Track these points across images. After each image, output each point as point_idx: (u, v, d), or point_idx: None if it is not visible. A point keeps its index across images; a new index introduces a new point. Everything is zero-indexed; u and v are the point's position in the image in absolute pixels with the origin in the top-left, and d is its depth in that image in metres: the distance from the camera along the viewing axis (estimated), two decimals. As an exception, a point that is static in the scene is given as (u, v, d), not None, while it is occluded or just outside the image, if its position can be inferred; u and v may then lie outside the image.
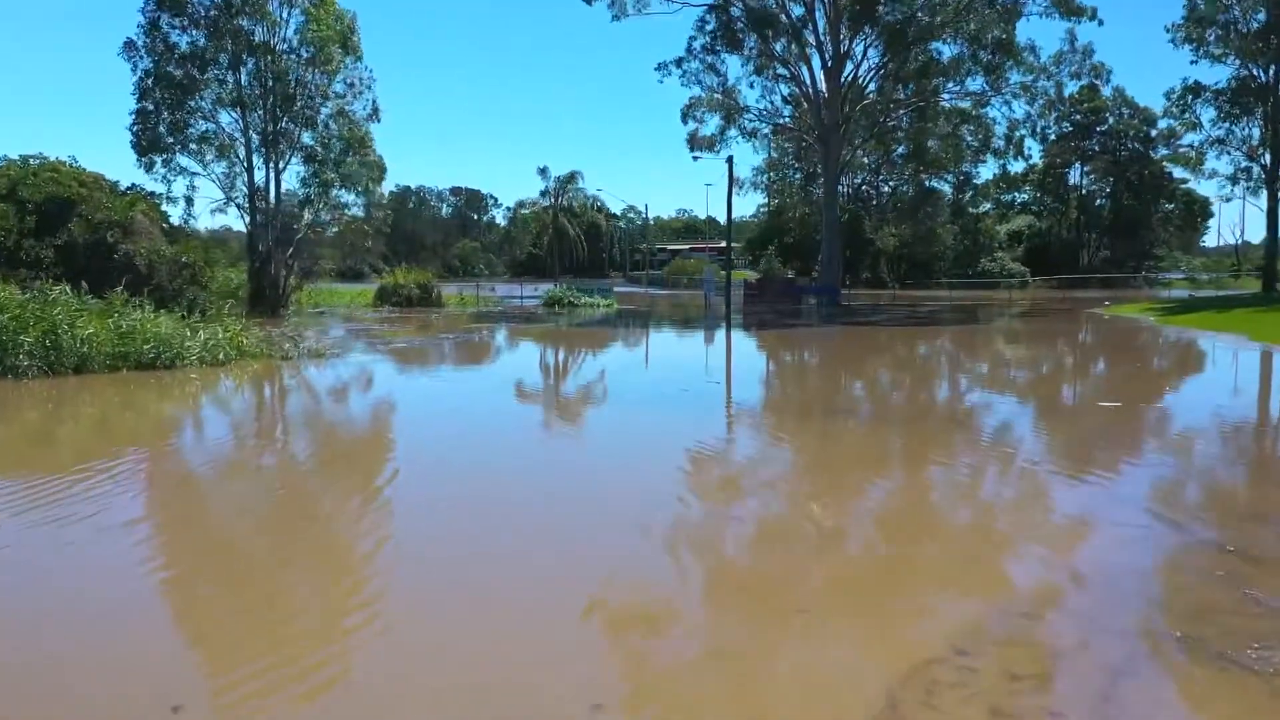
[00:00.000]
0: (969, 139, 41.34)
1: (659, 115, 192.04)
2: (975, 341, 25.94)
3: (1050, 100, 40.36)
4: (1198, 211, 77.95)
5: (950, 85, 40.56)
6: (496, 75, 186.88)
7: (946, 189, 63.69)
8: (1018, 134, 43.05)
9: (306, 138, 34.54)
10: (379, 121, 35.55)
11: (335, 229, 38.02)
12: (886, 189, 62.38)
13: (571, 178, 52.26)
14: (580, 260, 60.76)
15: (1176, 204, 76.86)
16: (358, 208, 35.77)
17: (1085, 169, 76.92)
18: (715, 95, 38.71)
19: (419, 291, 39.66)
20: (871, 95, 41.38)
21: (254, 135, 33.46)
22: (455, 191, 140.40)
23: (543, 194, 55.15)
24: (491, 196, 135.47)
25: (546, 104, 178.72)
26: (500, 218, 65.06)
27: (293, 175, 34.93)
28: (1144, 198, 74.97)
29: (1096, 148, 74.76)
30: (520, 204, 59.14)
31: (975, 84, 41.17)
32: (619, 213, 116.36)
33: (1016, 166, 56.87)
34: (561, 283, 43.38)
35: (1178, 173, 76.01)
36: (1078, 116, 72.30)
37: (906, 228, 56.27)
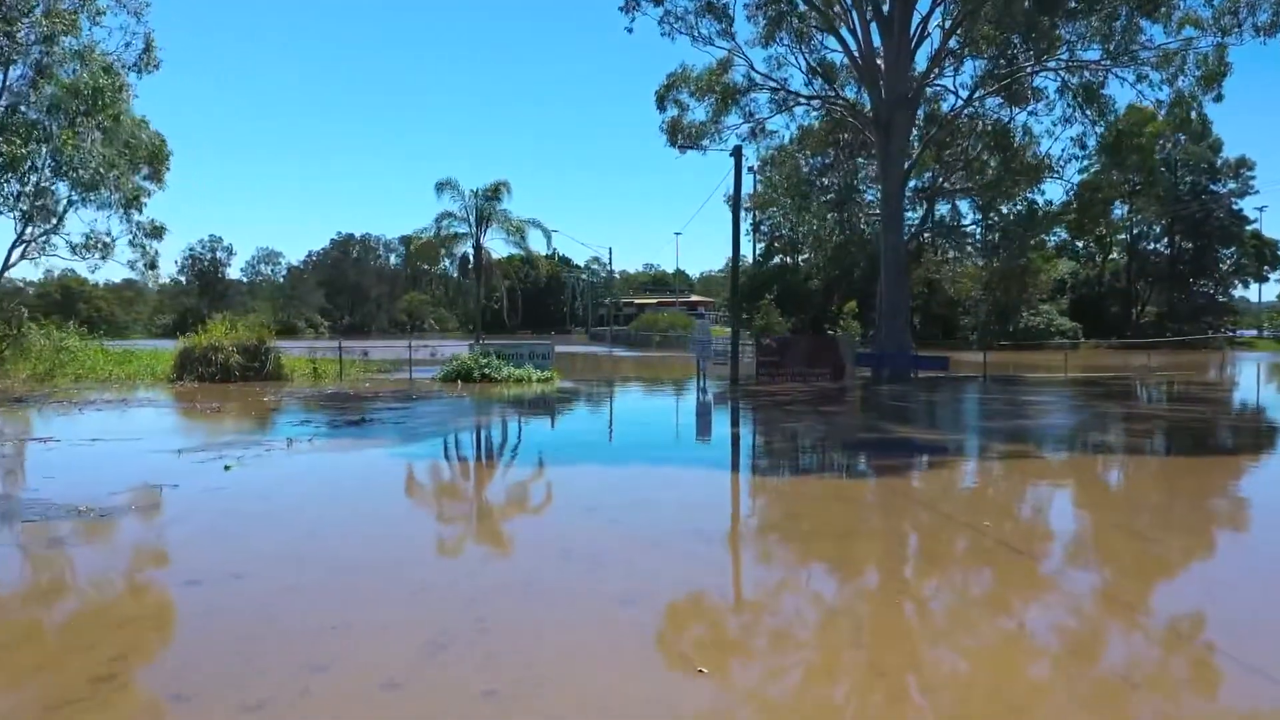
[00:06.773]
0: (1091, 131, 27.54)
1: (624, 167, 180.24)
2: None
3: (1211, 74, 26.85)
4: (1267, 257, 65.42)
5: (1061, 51, 27.03)
6: (458, 120, 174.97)
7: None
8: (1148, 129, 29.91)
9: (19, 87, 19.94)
10: (154, 70, 21.02)
11: (93, 253, 23.11)
12: (953, 209, 44.33)
13: (495, 193, 36.70)
14: (518, 311, 45.65)
15: (1243, 248, 64.22)
16: (105, 212, 20.91)
17: (1132, 206, 64.15)
18: (715, 50, 24.69)
19: (241, 358, 24.69)
20: (946, 70, 27.75)
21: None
22: (405, 240, 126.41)
23: (438, 219, 39.35)
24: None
25: (510, 154, 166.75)
26: (454, 269, 52.19)
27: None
28: (1208, 241, 62.38)
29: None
30: (414, 237, 43.25)
31: (1092, 52, 27.81)
32: (583, 264, 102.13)
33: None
34: (479, 344, 28.49)
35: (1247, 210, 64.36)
36: (1125, 143, 59.74)
37: (996, 263, 40.22)
